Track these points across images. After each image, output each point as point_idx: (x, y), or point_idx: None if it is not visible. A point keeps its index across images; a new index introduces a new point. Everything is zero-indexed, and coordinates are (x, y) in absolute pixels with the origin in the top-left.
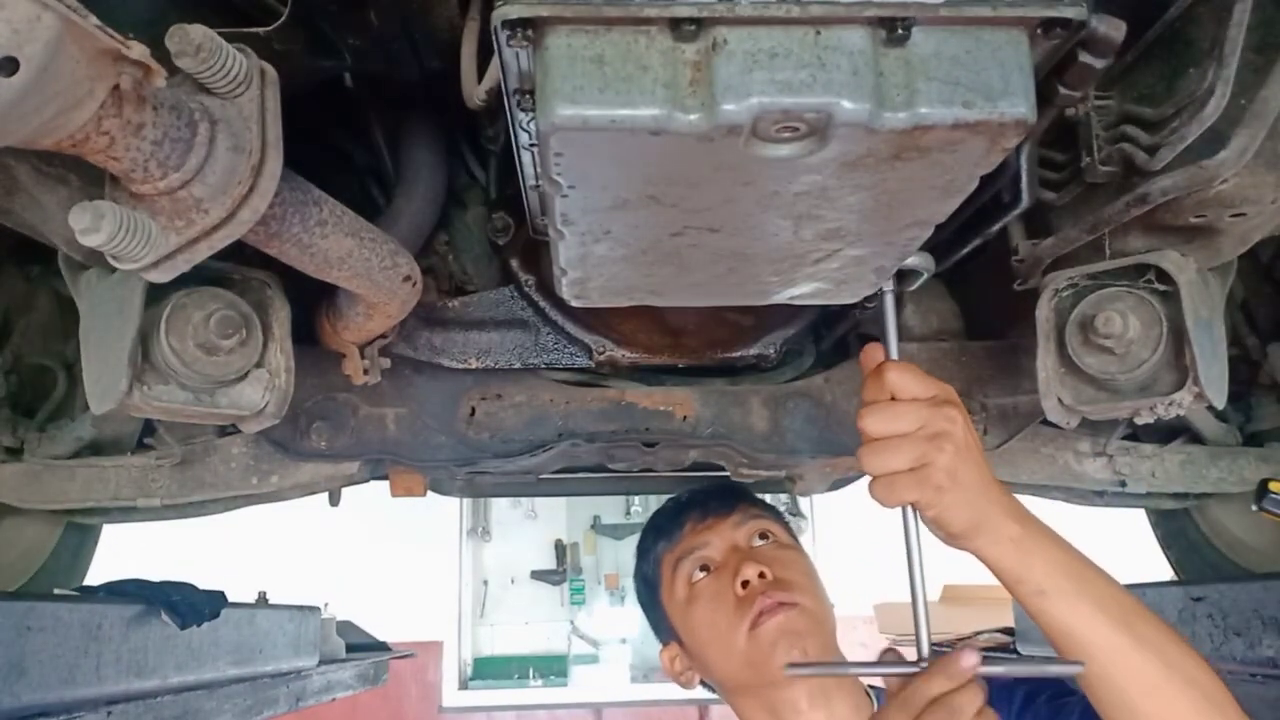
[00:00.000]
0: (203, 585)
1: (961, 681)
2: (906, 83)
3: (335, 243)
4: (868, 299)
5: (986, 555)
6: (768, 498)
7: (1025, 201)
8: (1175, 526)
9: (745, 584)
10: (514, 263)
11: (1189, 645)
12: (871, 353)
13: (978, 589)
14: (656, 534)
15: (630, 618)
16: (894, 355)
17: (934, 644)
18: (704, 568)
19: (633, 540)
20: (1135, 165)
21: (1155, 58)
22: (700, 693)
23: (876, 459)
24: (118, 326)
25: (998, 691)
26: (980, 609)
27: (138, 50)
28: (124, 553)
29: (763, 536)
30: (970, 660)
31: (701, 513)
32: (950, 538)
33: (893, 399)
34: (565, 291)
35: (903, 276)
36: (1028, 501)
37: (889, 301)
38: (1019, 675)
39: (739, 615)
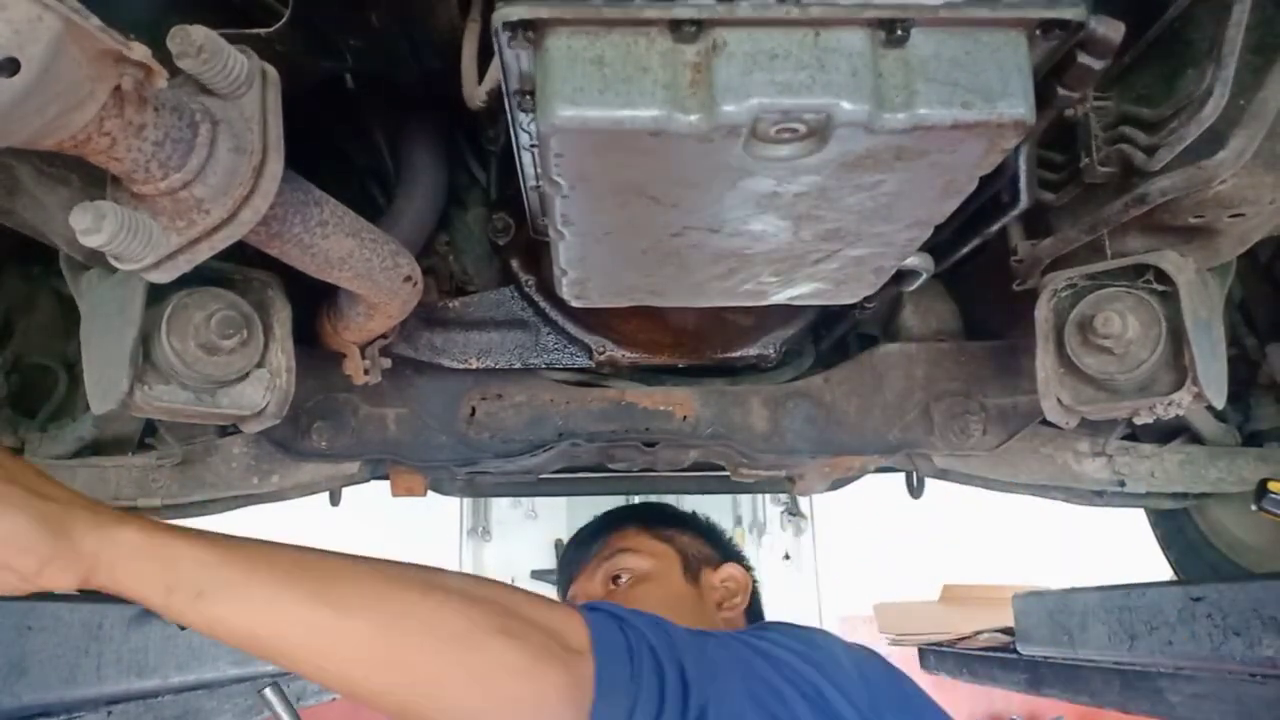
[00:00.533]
0: None
1: None
2: (905, 84)
3: (336, 243)
4: (867, 299)
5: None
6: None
7: (1024, 202)
8: (1175, 526)
9: None
10: (514, 263)
11: (430, 587)
12: None
13: (978, 589)
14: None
15: None
16: None
17: (934, 644)
18: None
19: None
20: (1134, 166)
21: (1154, 58)
22: None
23: None
24: (119, 327)
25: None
26: (980, 609)
27: (139, 51)
28: None
29: (615, 579)
30: None
31: (569, 569)
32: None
33: None
34: (565, 291)
35: (902, 276)
36: (1028, 501)
37: None
38: None
39: None
